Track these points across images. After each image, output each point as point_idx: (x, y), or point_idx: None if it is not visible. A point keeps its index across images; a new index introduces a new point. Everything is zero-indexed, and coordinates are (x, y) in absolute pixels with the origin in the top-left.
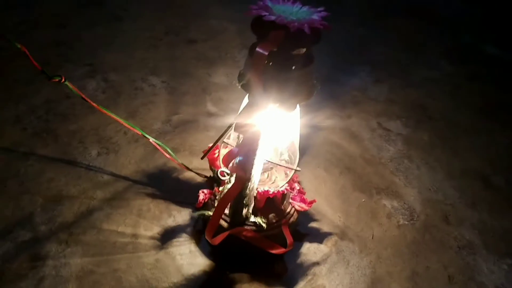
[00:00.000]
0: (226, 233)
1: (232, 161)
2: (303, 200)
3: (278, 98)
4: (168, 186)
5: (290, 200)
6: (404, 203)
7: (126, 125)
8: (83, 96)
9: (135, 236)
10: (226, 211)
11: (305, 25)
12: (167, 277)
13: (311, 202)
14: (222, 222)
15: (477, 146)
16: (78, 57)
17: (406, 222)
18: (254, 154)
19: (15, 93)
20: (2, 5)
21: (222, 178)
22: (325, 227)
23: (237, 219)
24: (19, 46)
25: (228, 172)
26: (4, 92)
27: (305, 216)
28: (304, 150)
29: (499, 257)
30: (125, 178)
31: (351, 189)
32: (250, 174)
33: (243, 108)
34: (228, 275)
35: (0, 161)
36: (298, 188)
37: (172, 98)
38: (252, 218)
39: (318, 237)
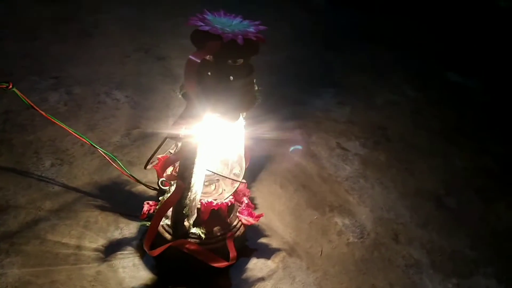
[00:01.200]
0: (166, 245)
1: (168, 169)
2: (250, 214)
3: (217, 107)
4: (119, 199)
5: (238, 214)
6: (356, 221)
7: (75, 134)
8: (31, 103)
9: (79, 247)
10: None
11: (239, 36)
12: None
13: (258, 216)
14: (166, 234)
15: (433, 168)
16: (43, 70)
17: (356, 240)
18: (192, 163)
19: None
20: None
21: (163, 188)
22: (274, 243)
23: (179, 231)
24: None
25: (171, 182)
26: None
27: (255, 232)
28: (261, 167)
29: (445, 276)
30: (76, 189)
31: (304, 206)
32: (189, 183)
33: (178, 116)
34: None
35: None
36: (246, 202)
37: (135, 113)
38: (193, 229)
39: (266, 252)
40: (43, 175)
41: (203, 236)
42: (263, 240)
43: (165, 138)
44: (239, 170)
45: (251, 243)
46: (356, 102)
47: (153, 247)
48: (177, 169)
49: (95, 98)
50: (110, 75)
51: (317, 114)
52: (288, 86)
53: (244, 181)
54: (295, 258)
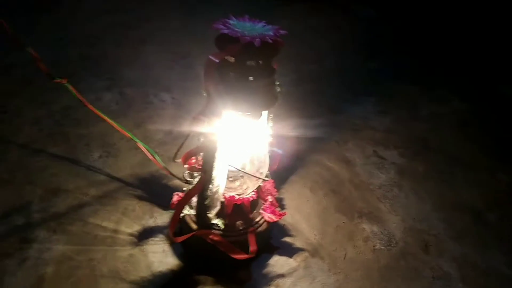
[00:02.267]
0: (190, 234)
1: (190, 160)
2: (273, 212)
3: (236, 105)
4: (156, 191)
5: (261, 211)
6: (385, 229)
7: (118, 127)
8: (82, 99)
9: (115, 231)
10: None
11: (257, 39)
12: (137, 271)
13: (281, 214)
14: (192, 224)
15: (474, 182)
16: (100, 72)
17: (383, 247)
18: (213, 157)
19: (39, 99)
20: (46, 24)
21: (187, 179)
22: (298, 243)
23: (202, 221)
24: (29, 50)
25: (194, 174)
26: (30, 97)
27: (280, 231)
28: (293, 169)
29: None
30: (119, 179)
31: (332, 211)
32: (210, 176)
33: (197, 112)
34: (193, 277)
35: (14, 154)
36: (271, 200)
37: (178, 113)
38: (215, 220)
39: (289, 251)
40: (91, 165)
41: (222, 226)
42: (287, 239)
43: (188, 134)
44: (265, 169)
45: (275, 241)
46: (398, 111)
47: (180, 235)
48: (201, 162)
49: (144, 99)
50: (159, 79)
51: (356, 122)
52: (329, 93)
53: (267, 179)
54: (317, 259)
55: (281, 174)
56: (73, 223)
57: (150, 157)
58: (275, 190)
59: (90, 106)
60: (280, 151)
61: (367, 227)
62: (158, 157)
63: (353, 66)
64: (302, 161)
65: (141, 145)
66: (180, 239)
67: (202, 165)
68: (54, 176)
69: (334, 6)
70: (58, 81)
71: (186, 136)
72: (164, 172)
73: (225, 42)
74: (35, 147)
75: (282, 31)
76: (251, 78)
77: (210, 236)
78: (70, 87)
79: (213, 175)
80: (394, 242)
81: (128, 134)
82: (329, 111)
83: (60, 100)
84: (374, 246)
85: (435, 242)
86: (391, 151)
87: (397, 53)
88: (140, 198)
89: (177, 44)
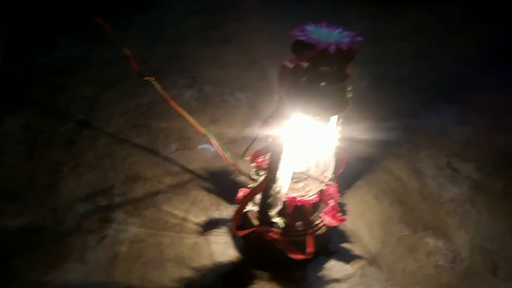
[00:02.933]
0: (251, 229)
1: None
2: (334, 216)
3: (307, 109)
4: (225, 185)
5: (322, 214)
6: (451, 245)
7: (195, 123)
8: (166, 96)
9: (184, 219)
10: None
11: (332, 46)
12: (199, 259)
13: (341, 220)
14: (254, 220)
15: None
16: (184, 70)
17: (446, 264)
18: (279, 158)
19: (129, 93)
20: (139, 24)
21: (253, 177)
22: (357, 250)
23: (264, 218)
24: (125, 50)
25: (259, 173)
26: (121, 91)
27: (339, 236)
28: (359, 175)
29: None
30: (192, 171)
31: (396, 221)
32: (275, 176)
33: (268, 116)
34: (250, 270)
35: (103, 142)
36: (332, 204)
37: (251, 112)
38: (275, 219)
39: (347, 257)
40: (168, 156)
41: (283, 224)
42: (346, 245)
43: (258, 135)
44: (330, 172)
45: (333, 246)
46: (481, 122)
47: (242, 230)
48: (267, 162)
49: (221, 97)
50: (237, 78)
51: (432, 130)
52: (406, 98)
53: (331, 183)
54: (375, 269)
55: (346, 179)
56: (147, 208)
57: (221, 153)
58: (338, 194)
59: (173, 103)
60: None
61: (432, 242)
62: (229, 153)
63: (436, 71)
64: (369, 166)
65: (214, 141)
66: (242, 233)
67: (268, 165)
68: (135, 164)
69: (414, 5)
70: (147, 79)
71: (255, 137)
72: (233, 168)
73: (301, 48)
74: (121, 136)
75: (358, 38)
76: (323, 84)
77: (270, 234)
78: (157, 85)
79: (277, 175)
80: (459, 260)
81: (204, 130)
82: (404, 117)
83: (146, 95)
84: (436, 262)
85: (505, 265)
86: (467, 164)
87: (487, 58)
88: (209, 190)
89: (258, 44)
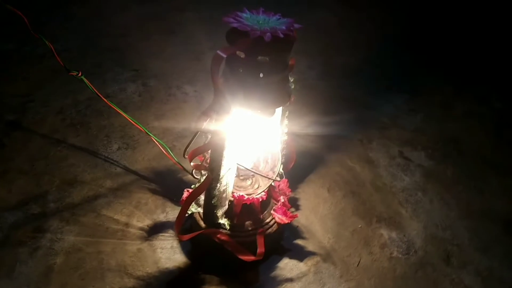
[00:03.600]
0: (197, 232)
1: (196, 158)
2: (284, 213)
3: (246, 102)
4: (171, 185)
5: (272, 211)
6: (404, 235)
7: (131, 121)
8: (96, 91)
9: (127, 225)
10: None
11: (267, 33)
12: (143, 266)
13: (292, 216)
14: (201, 222)
15: (508, 189)
16: (127, 63)
17: (400, 255)
18: (220, 156)
19: (66, 89)
20: (78, 16)
21: (196, 177)
22: (310, 246)
23: (210, 220)
24: (47, 43)
25: (201, 172)
26: (57, 88)
27: (293, 232)
28: (312, 169)
29: None
30: (135, 172)
31: (350, 213)
32: (217, 174)
33: (203, 110)
34: (199, 275)
35: (36, 143)
36: (283, 200)
37: (200, 106)
38: (221, 220)
39: (300, 254)
40: (109, 156)
41: (228, 226)
42: (299, 241)
43: (198, 130)
44: (279, 168)
45: (287, 243)
46: (431, 110)
47: (190, 233)
48: (208, 160)
49: (167, 91)
50: (184, 70)
51: (383, 120)
52: (358, 88)
53: (278, 179)
54: (329, 265)
55: (298, 173)
56: (86, 214)
57: (164, 151)
58: (289, 190)
59: (104, 99)
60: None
61: (385, 233)
62: (171, 152)
63: (387, 60)
64: (322, 159)
65: (154, 138)
66: (186, 237)
67: (209, 164)
68: (73, 167)
69: None
70: (74, 74)
71: (196, 132)
72: (178, 167)
73: (236, 36)
74: (57, 137)
75: (296, 25)
76: (261, 75)
77: (218, 236)
78: (85, 80)
79: (220, 174)
80: (413, 250)
81: (142, 128)
82: (356, 107)
83: (85, 91)
84: (391, 254)
85: (458, 253)
86: (419, 153)
87: (434, 46)
88: (154, 192)
89: (206, 35)
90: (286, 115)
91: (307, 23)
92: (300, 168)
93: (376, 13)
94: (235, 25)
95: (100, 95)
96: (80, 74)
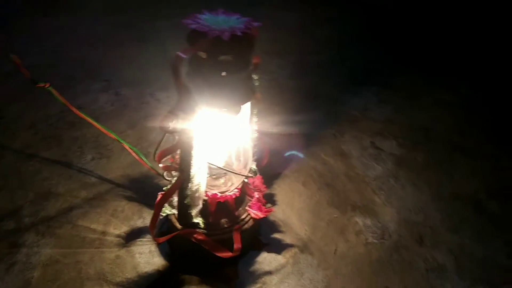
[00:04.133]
0: (173, 234)
1: (165, 159)
2: (259, 209)
3: (210, 101)
4: (147, 191)
5: (247, 207)
6: (378, 221)
7: (103, 129)
8: (65, 102)
9: (104, 233)
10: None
11: (225, 33)
12: (123, 272)
13: (267, 211)
14: (177, 224)
15: (477, 171)
16: (98, 74)
17: (375, 241)
18: (189, 155)
19: (37, 104)
20: (46, 27)
21: (167, 178)
22: (288, 239)
23: (185, 220)
24: (12, 56)
25: (174, 173)
26: (28, 103)
27: (270, 227)
28: (286, 164)
29: (470, 283)
30: (110, 181)
31: (325, 205)
32: (188, 174)
33: (168, 110)
34: (179, 276)
35: (9, 160)
36: (257, 196)
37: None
38: (196, 219)
39: (278, 247)
40: (83, 167)
41: (202, 225)
42: (276, 235)
43: (165, 133)
44: (251, 165)
45: (264, 238)
46: (400, 101)
47: (166, 235)
48: (178, 160)
49: (140, 99)
50: (157, 78)
51: (353, 113)
52: (329, 85)
53: (251, 175)
54: (306, 255)
55: (274, 169)
56: (62, 226)
57: (136, 157)
58: (264, 186)
59: (74, 109)
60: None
61: (360, 221)
62: (143, 157)
63: (356, 56)
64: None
65: (126, 145)
66: (162, 239)
67: (179, 164)
68: (46, 180)
69: None
70: (42, 85)
71: (163, 134)
72: (153, 172)
73: (195, 37)
74: (29, 151)
75: (254, 23)
76: (223, 73)
77: (194, 235)
78: (53, 91)
79: (191, 173)
80: (388, 235)
81: (114, 136)
82: (327, 103)
83: (56, 104)
84: (366, 240)
85: (431, 234)
86: (390, 142)
87: (401, 41)
88: (130, 198)
89: (178, 42)
90: (254, 112)
91: (276, 24)
92: (275, 165)
93: (342, 11)
94: (193, 26)
95: (69, 105)
96: (48, 85)
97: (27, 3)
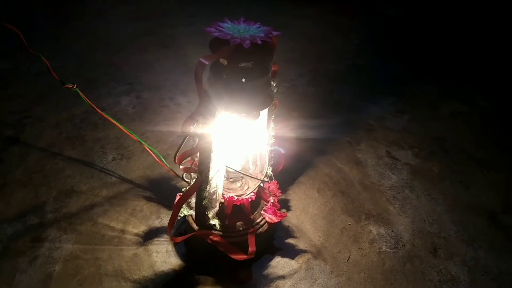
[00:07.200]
0: (190, 234)
1: (185, 161)
2: (274, 213)
3: (230, 106)
4: (165, 192)
5: (262, 212)
6: (392, 231)
7: (125, 131)
8: (90, 103)
9: (123, 231)
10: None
11: (246, 41)
12: (140, 270)
13: (282, 216)
14: (193, 225)
15: (493, 183)
16: (121, 77)
17: (389, 250)
18: (208, 158)
19: (62, 105)
20: (74, 33)
21: (186, 180)
22: (301, 245)
23: (202, 222)
24: (42, 58)
25: (193, 175)
26: (53, 103)
27: (284, 232)
28: (302, 170)
29: None
30: (130, 181)
31: (339, 212)
32: (206, 176)
33: (190, 115)
34: (194, 276)
35: (34, 157)
36: (272, 201)
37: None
38: (212, 221)
39: (292, 252)
40: (105, 167)
41: (219, 227)
42: (290, 240)
43: (187, 135)
44: (268, 170)
45: (278, 242)
46: (416, 111)
47: (184, 235)
48: (197, 163)
49: (160, 103)
50: (177, 82)
51: (370, 122)
52: (347, 93)
53: (267, 180)
54: (319, 261)
55: (289, 175)
56: (83, 223)
57: (157, 158)
58: (279, 191)
59: (99, 110)
60: (282, 151)
61: (374, 229)
62: (163, 159)
63: (374, 66)
64: (311, 162)
65: (147, 147)
66: (179, 239)
67: (198, 166)
68: (69, 178)
69: (358, 5)
70: (69, 86)
71: (185, 137)
72: (171, 173)
73: (218, 44)
74: (54, 150)
75: (274, 32)
76: (243, 80)
77: (210, 237)
78: (80, 92)
79: (209, 176)
80: (401, 244)
81: (135, 137)
82: (344, 111)
83: (81, 105)
84: (379, 249)
85: (445, 245)
86: (405, 152)
87: (419, 52)
88: (149, 199)
89: (198, 47)
90: (272, 118)
91: (296, 33)
92: (290, 171)
93: (361, 22)
94: (216, 34)
95: (94, 106)
96: (75, 87)
97: (55, 9)
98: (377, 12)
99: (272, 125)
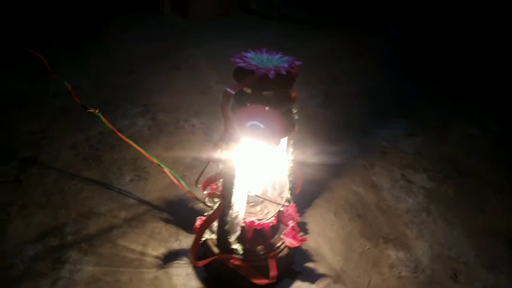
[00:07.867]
0: (212, 258)
1: (210, 186)
2: (294, 237)
3: (253, 134)
4: (183, 214)
5: (282, 236)
6: (411, 255)
7: (144, 153)
8: (112, 127)
9: (142, 253)
10: None
11: (271, 71)
12: None
13: (302, 240)
14: (214, 248)
15: (508, 207)
16: (135, 99)
17: (409, 275)
18: (232, 183)
19: (78, 125)
20: (88, 54)
21: (208, 204)
22: (321, 269)
23: (223, 246)
24: (66, 84)
25: (214, 200)
26: (70, 124)
27: (303, 256)
28: (318, 193)
29: None
30: (148, 203)
31: (357, 236)
32: (229, 201)
33: (216, 140)
34: None
35: (52, 178)
36: (292, 225)
37: (207, 138)
38: (234, 245)
39: (311, 277)
40: (122, 188)
41: (241, 251)
42: (309, 264)
43: (209, 160)
44: (287, 194)
45: (297, 266)
46: (429, 134)
47: (204, 259)
48: (221, 188)
49: (175, 124)
50: (191, 104)
51: (383, 144)
52: (359, 115)
53: (287, 204)
54: (340, 286)
55: (305, 199)
56: (103, 245)
57: (175, 181)
58: (298, 214)
59: (120, 134)
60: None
61: (393, 253)
62: (183, 182)
63: (385, 88)
64: (327, 185)
65: (166, 169)
66: (201, 263)
67: (222, 191)
68: (87, 199)
69: (368, 28)
70: (92, 111)
71: (207, 162)
72: (190, 196)
73: (242, 74)
74: (71, 171)
75: (296, 62)
76: (267, 108)
77: (231, 261)
78: (102, 117)
79: (232, 201)
80: (421, 269)
81: (155, 160)
82: (357, 133)
83: (97, 126)
84: (399, 273)
85: (465, 271)
86: (420, 175)
87: (430, 74)
88: (167, 221)
89: (211, 69)
90: (291, 143)
91: (307, 55)
92: (307, 194)
93: (373, 44)
94: (242, 64)
95: (115, 130)
96: (97, 111)
97: (71, 29)
98: (386, 34)
99: (291, 150)
